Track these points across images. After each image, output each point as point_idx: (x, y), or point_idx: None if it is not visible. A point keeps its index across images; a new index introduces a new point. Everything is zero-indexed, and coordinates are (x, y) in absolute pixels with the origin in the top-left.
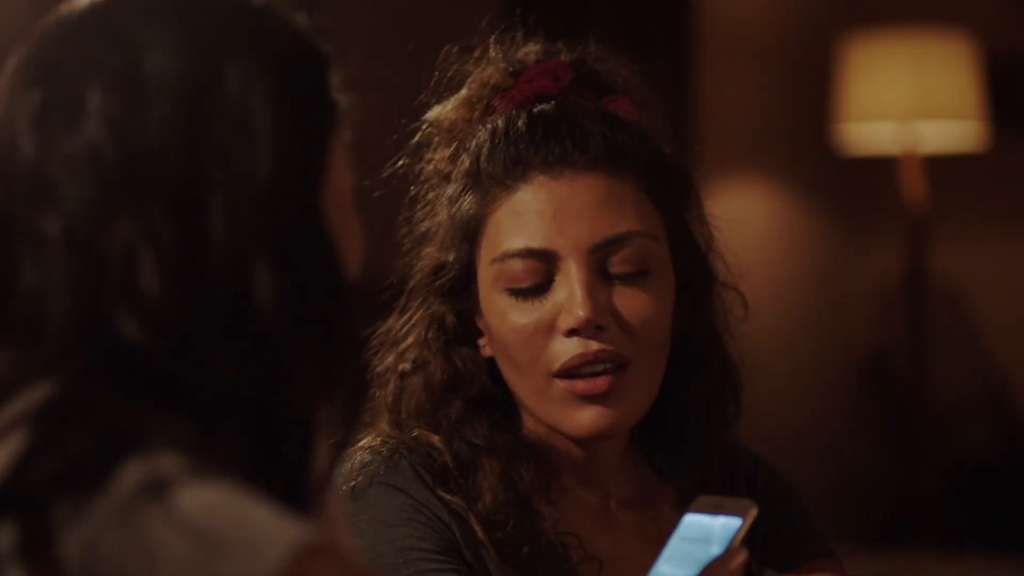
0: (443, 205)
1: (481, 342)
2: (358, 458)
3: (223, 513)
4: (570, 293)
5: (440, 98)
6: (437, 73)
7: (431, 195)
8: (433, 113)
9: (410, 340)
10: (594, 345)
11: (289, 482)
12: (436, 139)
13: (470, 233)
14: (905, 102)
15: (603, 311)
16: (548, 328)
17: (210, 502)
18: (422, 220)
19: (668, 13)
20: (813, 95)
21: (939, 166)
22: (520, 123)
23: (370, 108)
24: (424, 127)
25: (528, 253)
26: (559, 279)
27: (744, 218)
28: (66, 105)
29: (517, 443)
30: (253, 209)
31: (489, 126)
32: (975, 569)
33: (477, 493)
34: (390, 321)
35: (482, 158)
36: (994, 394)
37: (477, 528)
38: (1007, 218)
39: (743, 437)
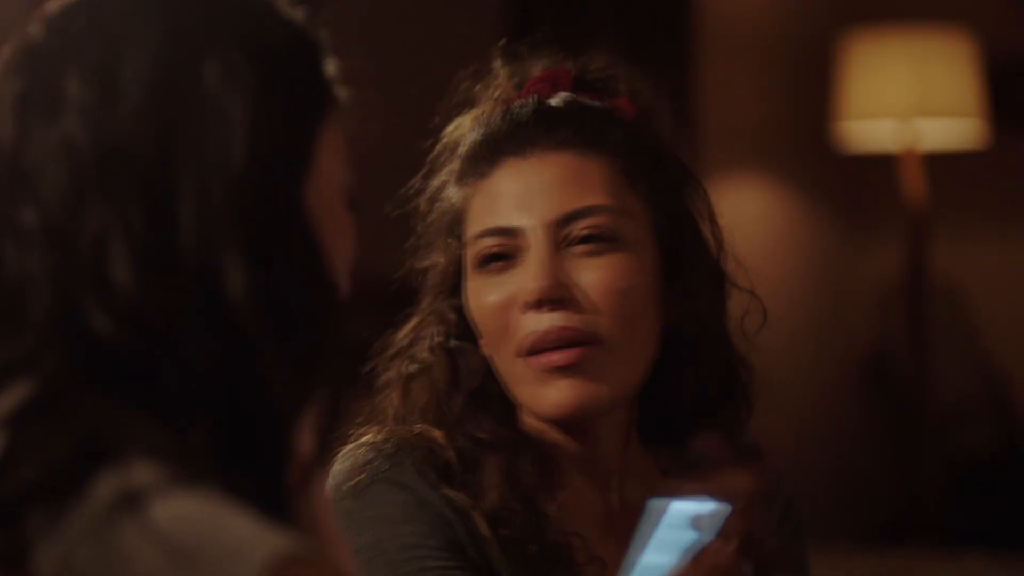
0: (432, 206)
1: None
2: (360, 455)
3: (198, 525)
4: (529, 268)
5: (451, 118)
6: (449, 96)
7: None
8: (448, 131)
9: (415, 342)
10: (551, 320)
11: (266, 480)
12: (445, 156)
13: (455, 227)
14: (905, 100)
15: (563, 284)
16: (512, 305)
17: (185, 514)
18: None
19: (668, 12)
20: (813, 93)
21: (939, 164)
22: (495, 117)
23: (373, 114)
24: (439, 146)
25: (495, 232)
26: (524, 256)
27: (744, 216)
28: (45, 95)
29: (519, 438)
30: (226, 200)
31: (471, 127)
32: (975, 568)
33: (481, 490)
34: (402, 330)
35: (462, 155)
36: (994, 393)
37: (482, 525)
38: (1007, 216)
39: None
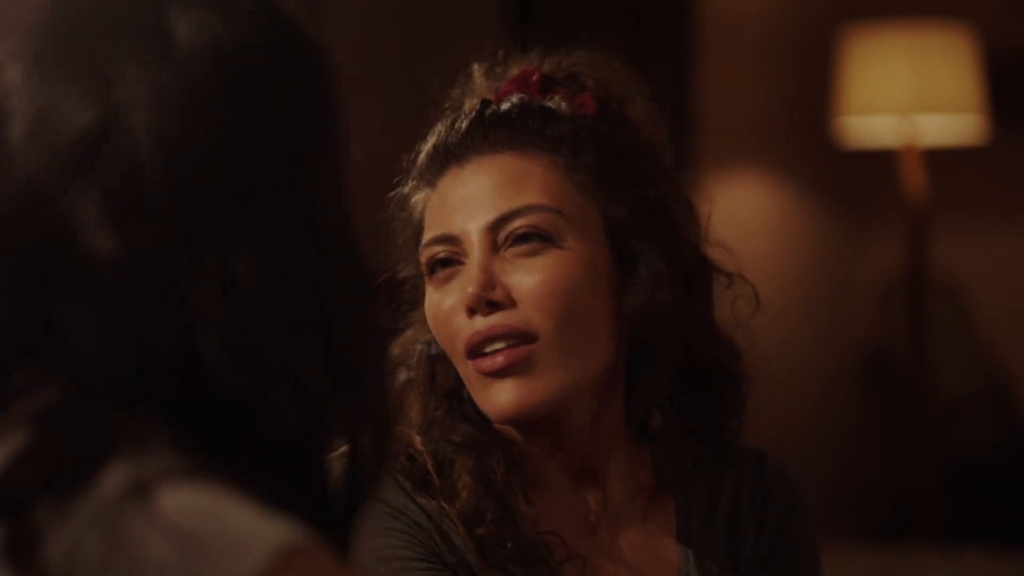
0: (399, 216)
1: None
2: (335, 468)
3: (206, 515)
4: (469, 273)
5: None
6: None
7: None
8: (427, 139)
9: (407, 352)
10: (490, 321)
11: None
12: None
13: (418, 236)
14: (905, 95)
15: (496, 286)
16: (458, 310)
17: (193, 504)
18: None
19: (668, 8)
20: (813, 88)
21: (939, 159)
22: (443, 126)
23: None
24: (412, 155)
25: (440, 240)
26: (465, 262)
27: (744, 212)
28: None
29: (489, 440)
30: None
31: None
32: (975, 564)
33: (454, 492)
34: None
35: (417, 165)
36: (994, 388)
37: (458, 527)
38: (1007, 211)
39: (742, 432)
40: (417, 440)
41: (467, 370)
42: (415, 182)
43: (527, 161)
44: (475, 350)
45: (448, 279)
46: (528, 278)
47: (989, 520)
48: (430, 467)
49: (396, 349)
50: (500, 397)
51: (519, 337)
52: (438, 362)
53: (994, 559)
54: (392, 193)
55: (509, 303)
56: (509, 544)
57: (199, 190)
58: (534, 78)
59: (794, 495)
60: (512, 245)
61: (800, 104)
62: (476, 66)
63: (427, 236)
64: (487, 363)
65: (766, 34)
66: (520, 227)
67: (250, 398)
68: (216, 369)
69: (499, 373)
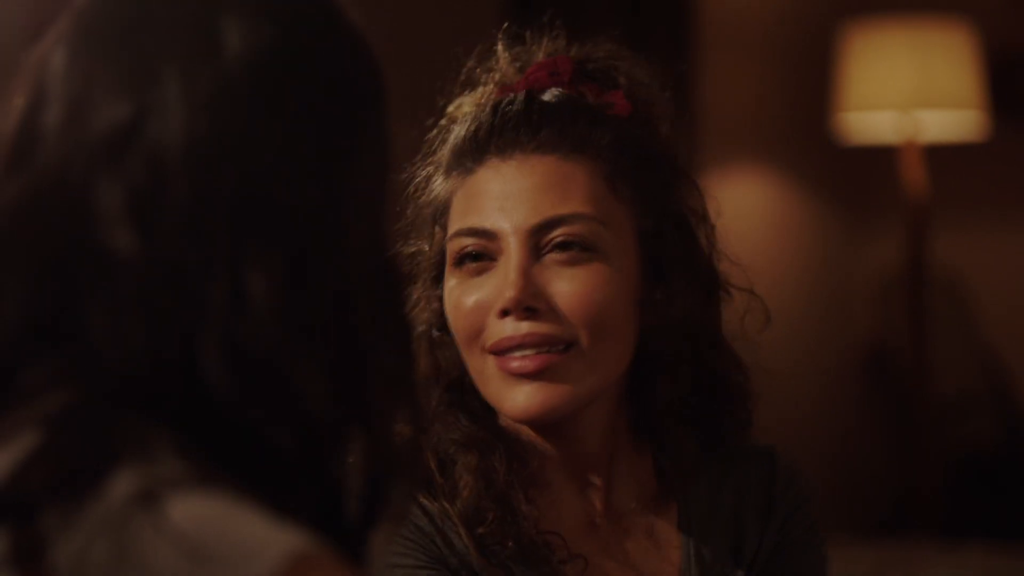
0: (420, 193)
1: None
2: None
3: (214, 524)
4: (505, 274)
5: (453, 98)
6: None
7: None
8: (449, 110)
9: None
10: (524, 328)
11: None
12: (440, 140)
13: (439, 217)
14: (905, 91)
15: (536, 293)
16: (487, 308)
17: (201, 512)
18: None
19: (668, 3)
20: (813, 84)
21: (939, 155)
22: (484, 111)
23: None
24: (436, 128)
25: (474, 232)
26: (501, 260)
27: (744, 208)
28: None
29: (492, 437)
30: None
31: (464, 116)
32: (975, 560)
33: (456, 490)
34: None
35: (451, 146)
36: (995, 384)
37: (460, 527)
38: (1007, 207)
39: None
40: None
41: (484, 365)
42: (446, 165)
43: (572, 165)
44: (504, 351)
45: (478, 273)
46: (568, 288)
47: (989, 516)
48: (432, 466)
49: None
50: (524, 399)
51: (552, 343)
52: (440, 347)
53: (994, 555)
54: (412, 167)
55: (546, 310)
56: (510, 543)
57: (221, 196)
58: (565, 67)
59: (802, 494)
60: (553, 251)
61: (800, 100)
62: (500, 43)
63: (459, 225)
64: (516, 364)
65: (766, 30)
66: (564, 235)
67: (246, 409)
68: (213, 376)
69: (527, 376)
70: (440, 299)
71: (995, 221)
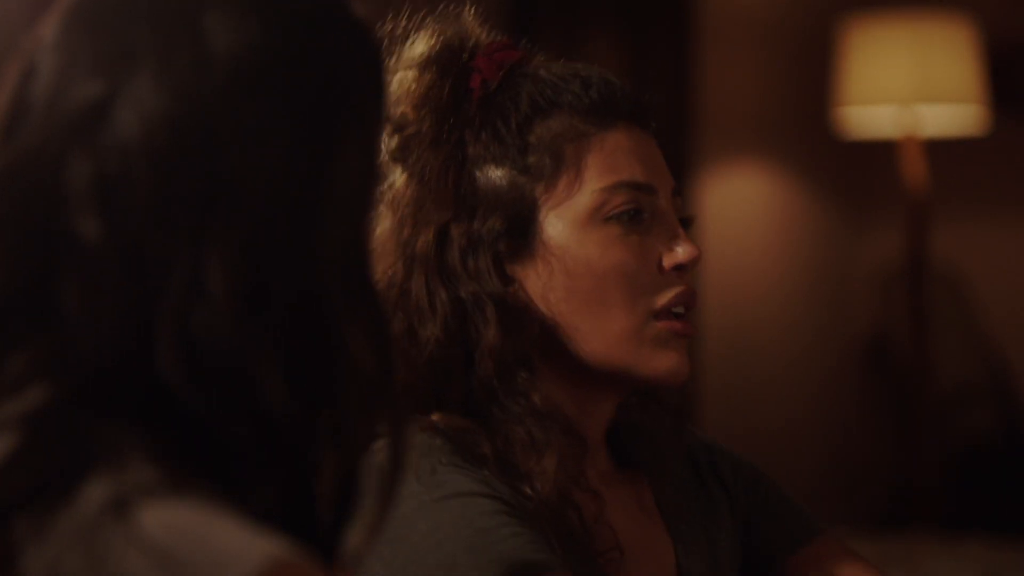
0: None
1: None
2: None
3: (188, 532)
4: (671, 230)
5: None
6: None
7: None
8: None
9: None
10: (692, 286)
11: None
12: (405, 106)
13: (539, 170)
14: (905, 86)
15: None
16: (651, 263)
17: (174, 521)
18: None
19: None
20: (814, 78)
21: (939, 150)
22: (598, 78)
23: None
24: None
25: (633, 186)
26: (654, 217)
27: (744, 201)
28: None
29: (561, 422)
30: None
31: (547, 73)
32: (975, 553)
33: (520, 478)
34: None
35: (559, 98)
36: (994, 378)
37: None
38: (1007, 201)
39: (741, 419)
40: (467, 423)
41: (645, 326)
42: (544, 115)
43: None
44: (673, 308)
45: (634, 228)
46: (695, 251)
47: (989, 509)
48: (488, 452)
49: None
50: (679, 360)
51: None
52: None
53: (994, 548)
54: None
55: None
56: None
57: (186, 184)
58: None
59: (713, 443)
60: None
61: (801, 94)
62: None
63: (612, 179)
64: (685, 326)
65: (766, 24)
66: (680, 203)
67: (200, 400)
68: (167, 365)
69: (682, 338)
70: (501, 272)
71: (995, 215)
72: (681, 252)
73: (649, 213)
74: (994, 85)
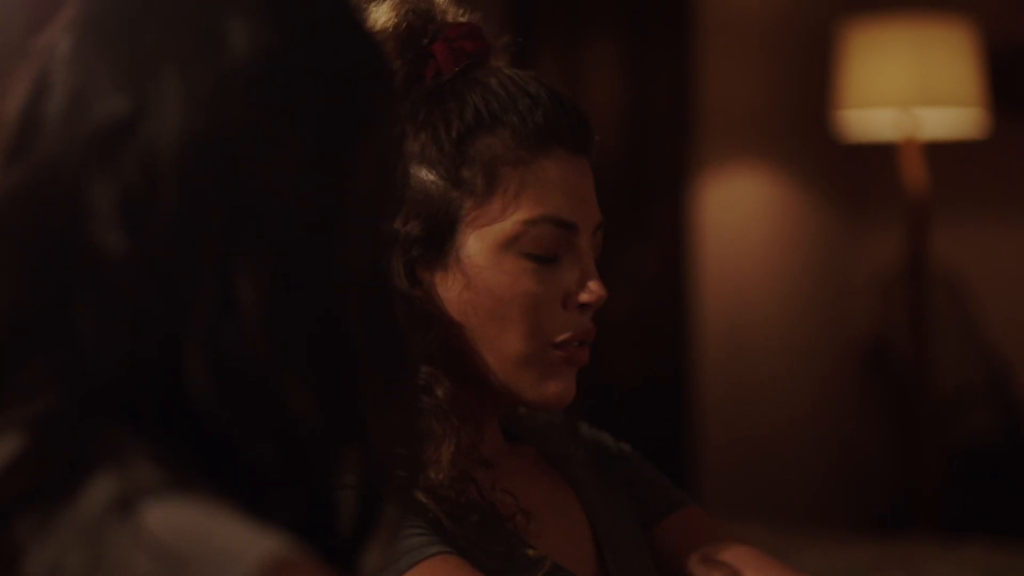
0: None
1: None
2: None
3: (190, 531)
4: (585, 268)
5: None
6: None
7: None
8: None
9: None
10: (591, 323)
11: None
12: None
13: (471, 186)
14: (905, 88)
15: None
16: (557, 298)
17: (177, 520)
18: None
19: (669, 0)
20: (813, 81)
21: (939, 152)
22: (544, 98)
23: None
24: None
25: (557, 222)
26: (570, 254)
27: (744, 204)
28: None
29: (460, 415)
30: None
31: (497, 84)
32: (976, 556)
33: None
34: None
35: (504, 115)
36: (994, 380)
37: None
38: (1007, 204)
39: (741, 422)
40: None
41: (541, 353)
42: (481, 131)
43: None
44: (572, 343)
45: (549, 261)
46: (603, 293)
47: (989, 512)
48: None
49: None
50: (567, 387)
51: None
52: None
53: (995, 551)
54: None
55: None
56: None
57: (215, 198)
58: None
59: (619, 444)
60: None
61: (800, 97)
62: None
63: (537, 212)
64: (582, 355)
65: (766, 27)
66: (599, 240)
67: (226, 420)
68: (195, 383)
69: (574, 367)
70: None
71: (995, 217)
72: (587, 294)
73: (565, 250)
74: (994, 88)
